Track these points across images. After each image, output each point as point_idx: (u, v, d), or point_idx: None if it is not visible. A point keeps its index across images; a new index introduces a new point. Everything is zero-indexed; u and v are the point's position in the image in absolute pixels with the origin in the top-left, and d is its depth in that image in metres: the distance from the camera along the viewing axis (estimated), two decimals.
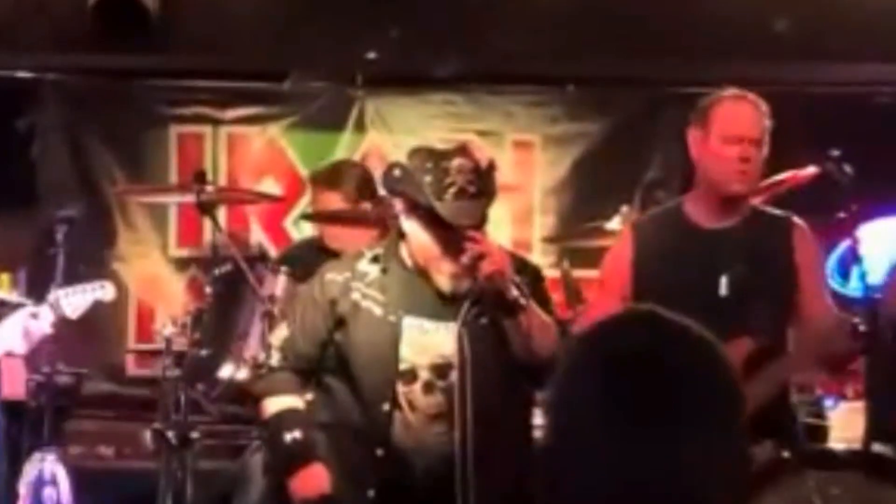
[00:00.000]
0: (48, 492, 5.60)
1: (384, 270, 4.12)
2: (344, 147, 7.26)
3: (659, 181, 7.31)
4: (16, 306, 6.04)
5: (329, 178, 5.75)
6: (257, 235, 7.33)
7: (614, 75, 7.33)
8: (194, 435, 5.48)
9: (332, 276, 4.17)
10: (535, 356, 3.98)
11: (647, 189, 7.28)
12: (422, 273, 4.10)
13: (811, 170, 4.74)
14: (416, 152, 4.11)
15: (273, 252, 7.11)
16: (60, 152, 7.30)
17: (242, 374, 5.17)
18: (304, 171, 7.25)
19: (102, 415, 6.91)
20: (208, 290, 5.65)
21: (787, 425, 4.30)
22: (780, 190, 5.03)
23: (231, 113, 7.41)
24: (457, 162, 3.99)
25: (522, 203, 7.44)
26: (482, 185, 4.00)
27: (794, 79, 7.03)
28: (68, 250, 6.14)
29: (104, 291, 5.38)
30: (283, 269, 5.38)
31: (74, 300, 5.25)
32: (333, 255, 5.03)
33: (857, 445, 4.14)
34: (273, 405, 4.17)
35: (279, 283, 5.30)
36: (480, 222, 4.03)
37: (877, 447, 4.08)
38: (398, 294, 4.09)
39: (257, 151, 7.42)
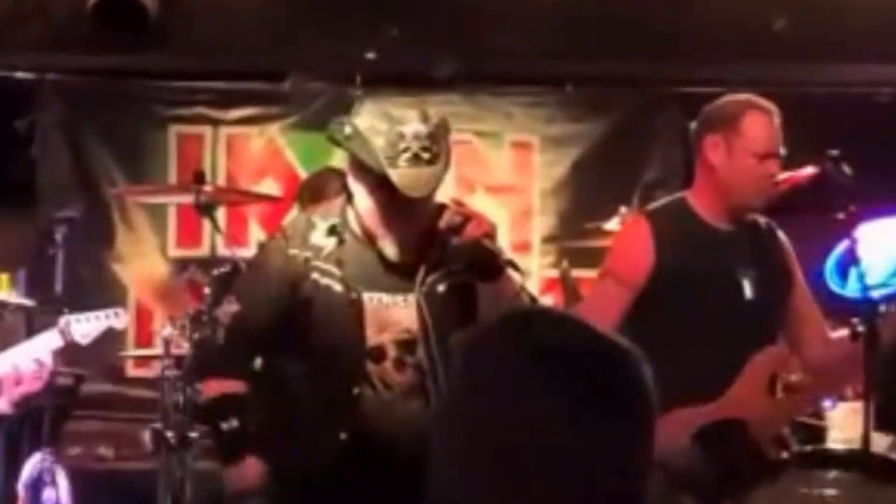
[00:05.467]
0: (47, 492, 5.61)
1: (340, 242, 3.92)
2: None
3: (657, 181, 7.32)
4: (15, 307, 6.06)
5: (312, 191, 5.72)
6: (257, 236, 7.33)
7: (613, 76, 7.34)
8: (193, 435, 5.48)
9: (295, 252, 3.93)
10: None
11: (646, 189, 7.28)
12: (369, 239, 3.91)
13: (810, 170, 4.72)
14: (368, 111, 3.89)
15: None
16: (60, 153, 7.30)
17: None
18: (302, 172, 7.25)
19: (101, 415, 6.92)
20: (207, 290, 5.65)
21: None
22: (778, 190, 5.01)
23: (231, 113, 7.41)
24: (413, 127, 3.77)
25: (521, 204, 7.44)
26: (437, 150, 3.79)
27: (793, 79, 7.03)
28: (67, 250, 6.17)
29: (118, 319, 5.37)
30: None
31: (87, 326, 5.24)
32: None
33: (856, 445, 4.12)
34: (212, 388, 3.99)
35: None
36: (433, 191, 3.83)
37: (877, 444, 4.07)
38: (353, 268, 3.90)
39: (256, 152, 7.42)
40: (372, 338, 3.88)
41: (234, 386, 3.94)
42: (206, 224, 6.07)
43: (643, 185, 7.30)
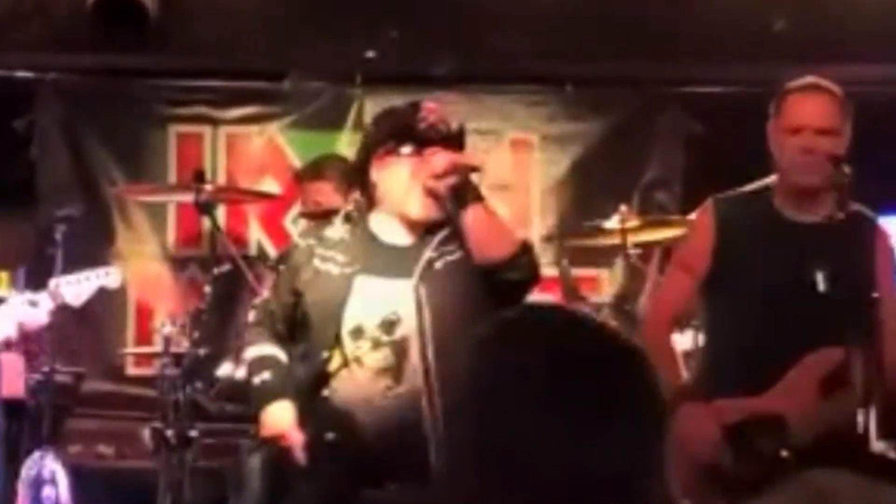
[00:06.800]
0: (47, 491, 5.61)
1: (354, 228, 4.12)
2: (343, 146, 7.26)
3: (658, 181, 7.32)
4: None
5: (313, 170, 5.77)
6: (256, 235, 7.33)
7: (613, 75, 7.34)
8: (193, 434, 5.49)
9: (300, 241, 4.25)
10: (490, 254, 4.00)
11: (646, 189, 7.29)
12: (399, 216, 4.08)
13: None
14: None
15: (271, 251, 7.13)
16: (60, 152, 7.30)
17: (241, 372, 5.18)
18: None
19: (101, 414, 6.91)
20: (207, 289, 5.66)
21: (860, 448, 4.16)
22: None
23: (230, 113, 7.41)
24: (426, 103, 4.13)
25: (521, 202, 7.43)
26: (453, 129, 4.11)
27: (794, 79, 7.01)
28: (67, 250, 6.14)
29: (110, 278, 5.29)
30: (281, 267, 5.38)
31: (78, 287, 5.19)
32: None
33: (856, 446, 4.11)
34: (247, 355, 4.22)
35: None
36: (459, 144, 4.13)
37: (878, 446, 4.05)
38: (358, 253, 4.07)
39: (256, 151, 7.42)
40: (357, 318, 4.01)
41: (264, 349, 4.17)
42: (206, 223, 6.10)
43: (643, 185, 7.30)
